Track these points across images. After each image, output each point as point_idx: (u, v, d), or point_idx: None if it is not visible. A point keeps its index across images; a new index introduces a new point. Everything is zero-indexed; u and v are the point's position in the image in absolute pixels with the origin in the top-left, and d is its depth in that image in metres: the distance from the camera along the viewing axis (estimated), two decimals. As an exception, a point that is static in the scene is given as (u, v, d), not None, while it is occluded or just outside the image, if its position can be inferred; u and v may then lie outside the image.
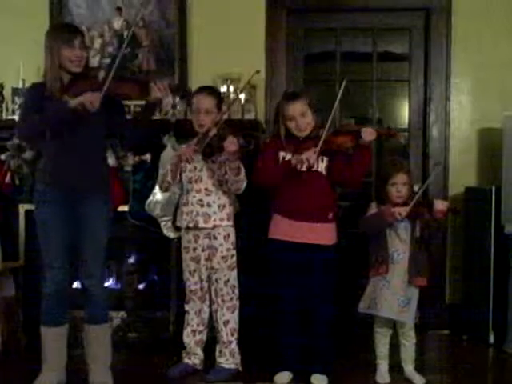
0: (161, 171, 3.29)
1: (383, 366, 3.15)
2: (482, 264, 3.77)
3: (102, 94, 2.73)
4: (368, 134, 2.99)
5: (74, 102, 2.72)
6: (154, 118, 3.35)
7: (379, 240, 3.06)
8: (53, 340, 2.94)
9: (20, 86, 3.90)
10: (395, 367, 3.18)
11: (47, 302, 2.91)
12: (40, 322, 2.94)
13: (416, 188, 3.22)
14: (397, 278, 3.03)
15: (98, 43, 4.10)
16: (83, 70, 2.88)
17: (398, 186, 3.05)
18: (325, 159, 3.08)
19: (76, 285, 3.46)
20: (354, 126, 3.13)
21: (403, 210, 2.97)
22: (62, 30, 2.91)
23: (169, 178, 3.16)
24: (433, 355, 3.75)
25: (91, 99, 2.71)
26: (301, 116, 3.06)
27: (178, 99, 3.82)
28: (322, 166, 3.09)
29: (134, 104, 3.61)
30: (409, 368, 3.15)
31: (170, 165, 3.17)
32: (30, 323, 3.44)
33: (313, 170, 3.04)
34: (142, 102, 3.08)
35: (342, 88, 3.06)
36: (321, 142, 2.96)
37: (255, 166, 3.12)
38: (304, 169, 2.99)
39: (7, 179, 3.76)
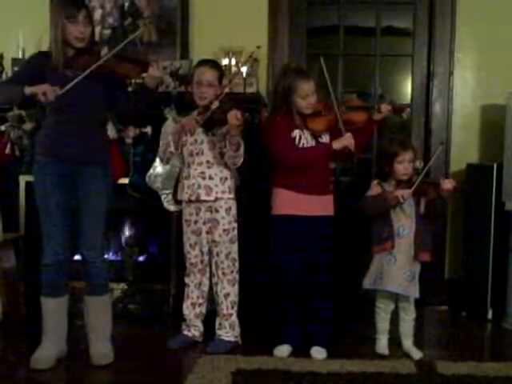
0: (161, 144, 3.27)
1: (383, 341, 3.18)
2: (482, 240, 3.78)
3: (65, 90, 2.70)
4: (386, 109, 3.08)
5: (28, 90, 2.70)
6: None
7: (383, 216, 3.06)
8: (53, 311, 2.96)
9: (20, 56, 3.86)
10: (393, 341, 3.20)
11: (47, 273, 2.92)
12: (40, 292, 2.95)
13: (417, 164, 3.22)
14: (403, 253, 3.05)
15: (98, 14, 4.05)
16: (87, 45, 2.85)
17: (405, 164, 3.05)
18: (328, 133, 3.10)
19: (77, 256, 3.46)
20: (357, 100, 3.14)
21: (406, 193, 2.98)
22: (67, 4, 2.85)
23: (171, 149, 3.15)
24: (431, 330, 3.77)
25: (45, 91, 2.67)
26: (312, 94, 3.06)
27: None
28: (327, 139, 3.11)
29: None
30: (407, 342, 3.17)
31: (171, 135, 3.15)
32: (31, 294, 3.44)
33: (322, 141, 3.08)
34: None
35: (324, 67, 3.06)
36: (339, 120, 3.01)
37: (272, 149, 3.06)
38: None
39: (7, 150, 3.75)
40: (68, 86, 2.70)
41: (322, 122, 3.06)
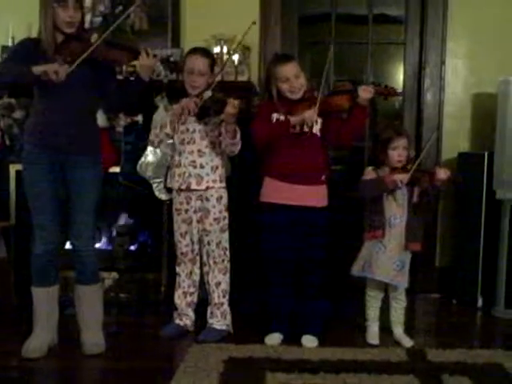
0: (153, 128, 3.26)
1: (373, 328, 3.19)
2: (472, 229, 3.80)
3: (71, 68, 2.68)
4: (365, 92, 2.97)
5: (37, 69, 2.67)
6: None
7: (376, 204, 3.06)
8: (44, 300, 2.95)
9: (10, 43, 3.83)
10: (384, 330, 3.21)
11: (37, 263, 2.91)
12: (31, 282, 2.94)
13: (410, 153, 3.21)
14: (393, 243, 3.05)
15: (88, 2, 4.00)
16: (77, 31, 2.82)
17: (399, 150, 3.05)
18: (319, 121, 3.06)
19: (67, 245, 3.45)
20: (349, 85, 3.09)
21: (404, 177, 2.97)
22: None
23: (167, 130, 3.13)
24: (422, 318, 3.78)
25: (56, 70, 2.66)
26: (295, 77, 3.03)
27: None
28: (316, 128, 3.07)
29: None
30: (398, 330, 3.19)
31: (170, 116, 3.13)
32: (22, 283, 3.44)
33: (307, 131, 3.03)
34: (133, 62, 3.04)
35: (330, 55, 3.05)
36: (318, 101, 2.94)
37: (251, 128, 3.09)
38: (306, 129, 2.97)
39: (-3, 139, 3.74)
40: (76, 63, 2.69)
41: (303, 108, 3.01)
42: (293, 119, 2.99)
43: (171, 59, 3.59)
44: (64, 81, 2.69)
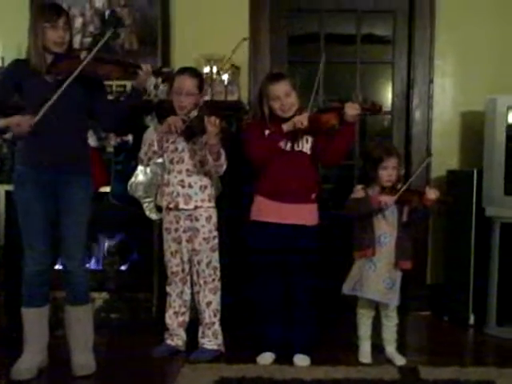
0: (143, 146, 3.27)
1: (365, 347, 3.18)
2: (463, 246, 3.80)
3: (35, 120, 2.70)
4: (352, 108, 2.98)
5: (1, 122, 2.73)
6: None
7: (365, 223, 3.07)
8: (34, 321, 2.92)
9: (-1, 64, 3.85)
10: (376, 347, 3.20)
11: (28, 283, 2.89)
12: (21, 303, 2.92)
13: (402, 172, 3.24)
14: (383, 261, 3.05)
15: (78, 22, 4.03)
16: (66, 51, 2.84)
17: (389, 170, 3.06)
18: (309, 140, 3.09)
19: (57, 266, 3.43)
20: (337, 104, 3.12)
21: (389, 200, 2.98)
22: (46, 9, 2.85)
23: (155, 148, 3.13)
24: (414, 336, 3.78)
25: (19, 122, 2.69)
26: (285, 96, 3.04)
27: (160, 80, 3.78)
28: (306, 147, 3.09)
29: (116, 84, 3.59)
30: (390, 348, 3.18)
31: (156, 134, 3.14)
32: (11, 304, 3.41)
33: (297, 149, 3.05)
34: (123, 83, 3.06)
35: (322, 64, 3.07)
36: (309, 109, 2.96)
37: (244, 146, 3.09)
38: (297, 148, 2.98)
39: (-14, 159, 3.73)
40: (41, 112, 2.70)
41: None
42: (284, 126, 3.00)
43: (163, 70, 3.60)
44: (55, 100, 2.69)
